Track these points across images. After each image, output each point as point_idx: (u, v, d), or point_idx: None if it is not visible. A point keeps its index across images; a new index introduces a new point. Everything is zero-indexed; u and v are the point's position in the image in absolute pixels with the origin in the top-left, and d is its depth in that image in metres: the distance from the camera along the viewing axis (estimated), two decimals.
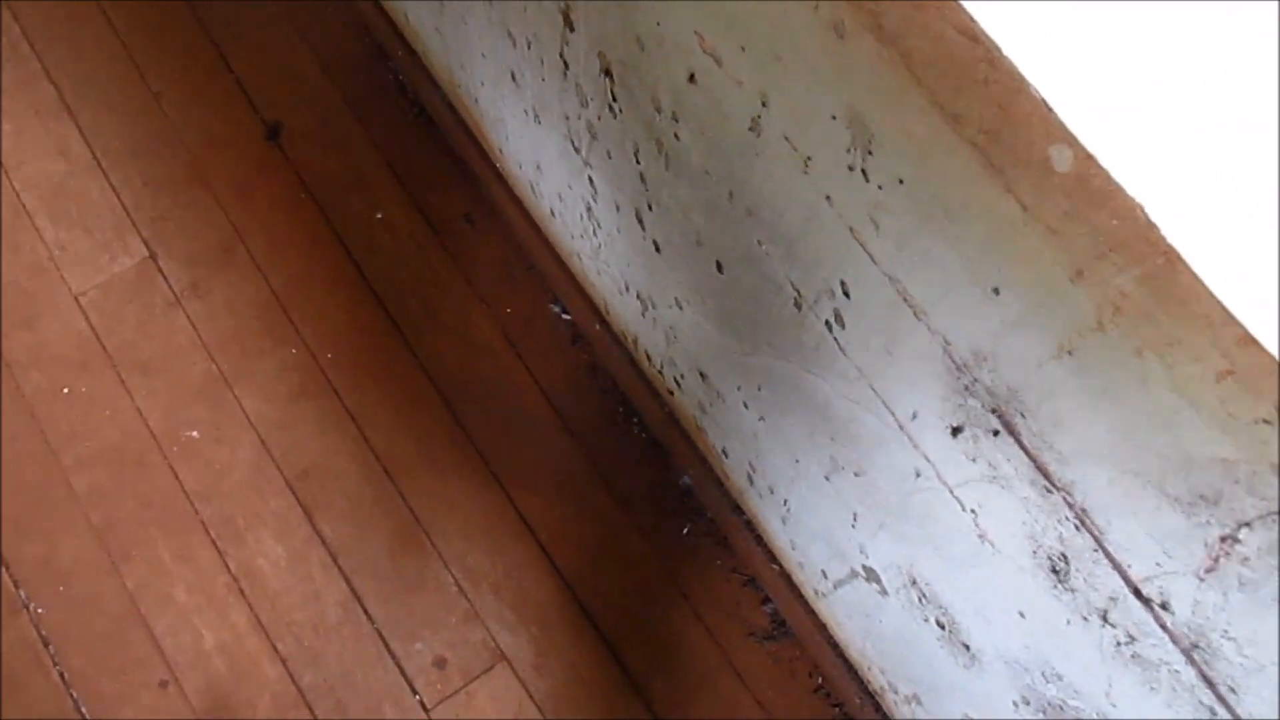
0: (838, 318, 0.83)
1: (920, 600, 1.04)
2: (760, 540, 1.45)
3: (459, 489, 1.54)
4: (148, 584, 1.48)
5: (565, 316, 1.61)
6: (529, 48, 1.13)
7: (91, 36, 1.74)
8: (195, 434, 1.54)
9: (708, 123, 0.84)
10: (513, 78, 1.24)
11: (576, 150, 1.18)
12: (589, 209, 1.27)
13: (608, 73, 0.97)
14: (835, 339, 0.86)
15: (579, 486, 1.55)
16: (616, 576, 1.51)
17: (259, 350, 1.59)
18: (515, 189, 1.55)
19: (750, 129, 0.78)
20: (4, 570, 1.47)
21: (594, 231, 1.31)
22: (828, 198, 0.73)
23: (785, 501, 1.25)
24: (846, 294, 0.80)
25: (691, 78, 0.82)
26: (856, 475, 1.00)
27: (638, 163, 1.03)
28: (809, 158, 0.73)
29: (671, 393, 1.43)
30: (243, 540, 1.50)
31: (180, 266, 1.63)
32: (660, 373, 1.42)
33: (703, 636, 1.50)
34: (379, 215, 1.66)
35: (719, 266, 1.00)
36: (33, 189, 1.66)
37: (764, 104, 0.74)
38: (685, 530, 1.54)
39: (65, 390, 1.56)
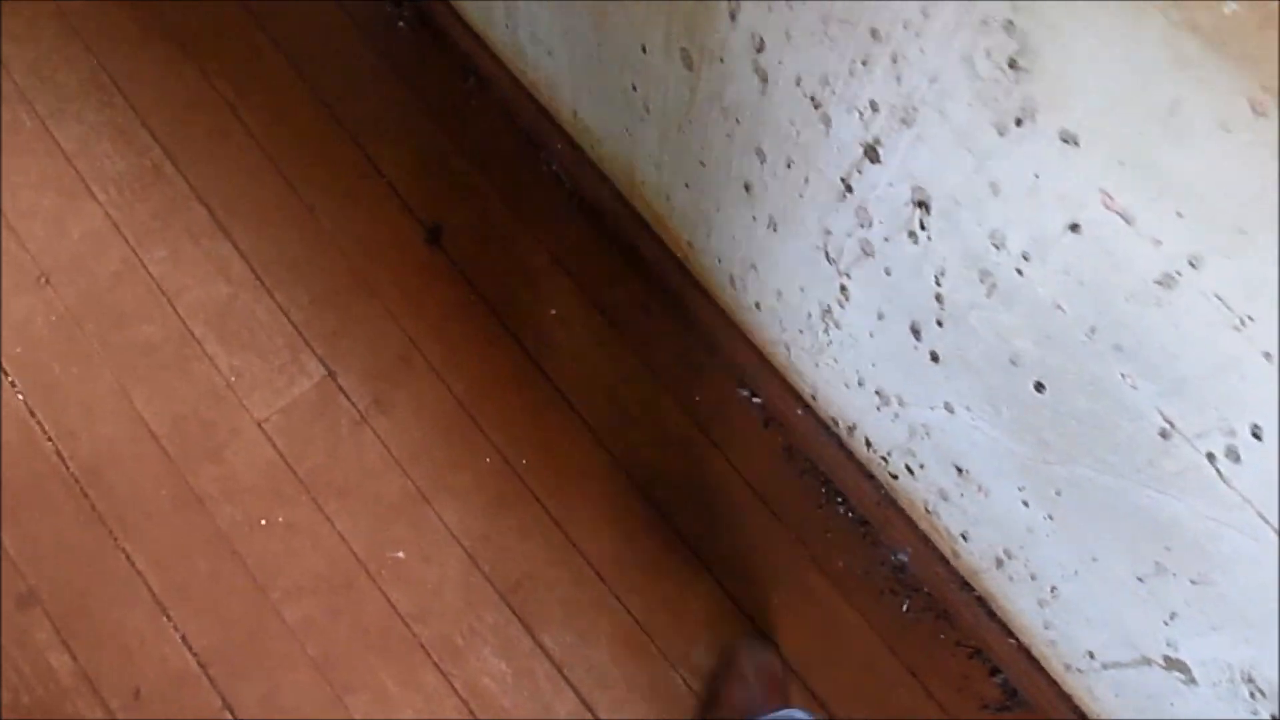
0: (1231, 453, 0.82)
1: (1251, 695, 1.03)
2: (992, 615, 1.45)
3: (673, 584, 1.53)
4: (376, 714, 1.46)
5: (755, 400, 1.60)
6: (788, 167, 1.12)
7: (234, 150, 1.71)
8: (401, 554, 1.52)
9: (1082, 267, 0.83)
10: (746, 188, 1.23)
11: (831, 261, 1.17)
12: (827, 311, 1.26)
13: (922, 205, 0.95)
14: (1218, 470, 0.85)
15: (790, 569, 1.54)
16: (841, 655, 1.50)
17: (452, 462, 1.56)
18: (701, 279, 1.54)
19: (1158, 283, 0.76)
20: (229, 715, 1.44)
21: (826, 330, 1.30)
22: (1265, 354, 0.72)
23: (1053, 588, 1.24)
24: (1257, 436, 0.79)
25: (1074, 227, 0.80)
26: (1193, 582, 0.99)
27: (937, 285, 1.02)
28: (1248, 318, 0.72)
29: (896, 477, 1.42)
30: (464, 659, 1.48)
31: (360, 382, 1.60)
32: (884, 459, 1.41)
33: (936, 711, 1.49)
34: (553, 311, 1.64)
35: (1039, 386, 0.99)
36: (199, 315, 1.63)
37: (1192, 265, 0.73)
38: (904, 607, 1.53)
39: (263, 522, 1.53)
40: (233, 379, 1.59)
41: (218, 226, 1.67)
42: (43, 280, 1.64)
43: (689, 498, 1.57)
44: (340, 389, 1.59)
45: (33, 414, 1.57)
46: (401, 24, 1.79)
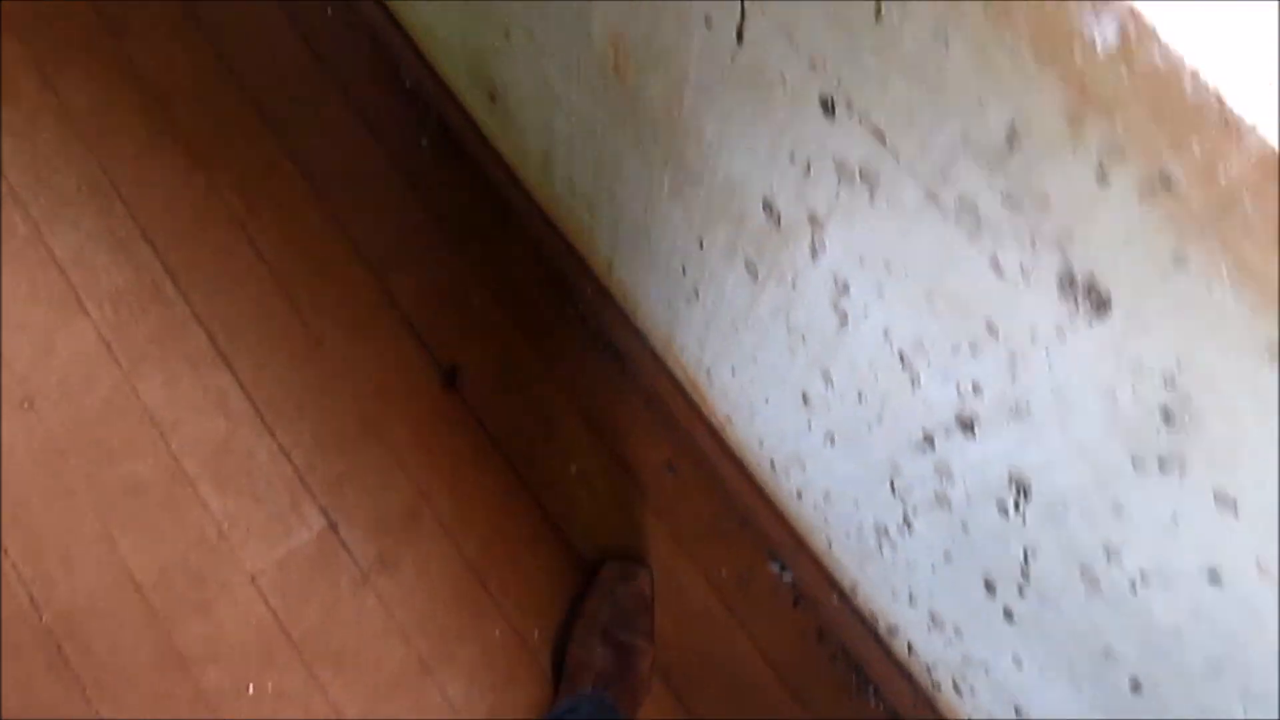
0: None
1: None
2: None
3: None
4: None
5: (786, 576, 1.50)
6: (859, 400, 1.02)
7: (241, 271, 1.60)
8: None
9: (1218, 615, 0.73)
10: (804, 399, 1.13)
11: (896, 494, 1.07)
12: (884, 531, 1.16)
13: (1020, 489, 0.86)
14: None
15: None
16: None
17: (460, 632, 1.45)
18: (738, 453, 1.44)
19: None
20: None
21: (879, 546, 1.20)
22: None
23: None
24: None
25: (1214, 579, 0.71)
26: None
27: (1025, 561, 0.92)
28: None
29: (939, 688, 1.32)
30: None
31: (364, 536, 1.49)
32: (929, 670, 1.31)
33: None
34: (573, 468, 1.53)
35: (1134, 685, 0.89)
36: (193, 452, 1.51)
37: None
38: None
39: (250, 688, 1.42)
40: (226, 526, 1.48)
41: (218, 355, 1.55)
42: (26, 404, 1.52)
43: (708, 677, 1.46)
44: (342, 543, 1.48)
45: (6, 553, 1.45)
46: (425, 143, 1.68)
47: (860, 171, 0.79)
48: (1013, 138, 0.63)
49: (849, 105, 0.75)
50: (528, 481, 1.53)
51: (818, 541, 1.39)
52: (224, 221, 1.63)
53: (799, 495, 1.34)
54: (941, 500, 0.99)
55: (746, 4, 0.79)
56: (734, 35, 0.83)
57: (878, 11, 0.66)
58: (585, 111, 1.19)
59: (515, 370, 1.58)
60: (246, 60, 1.72)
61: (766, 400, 1.24)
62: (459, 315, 1.61)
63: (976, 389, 0.83)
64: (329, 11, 1.75)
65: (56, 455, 1.51)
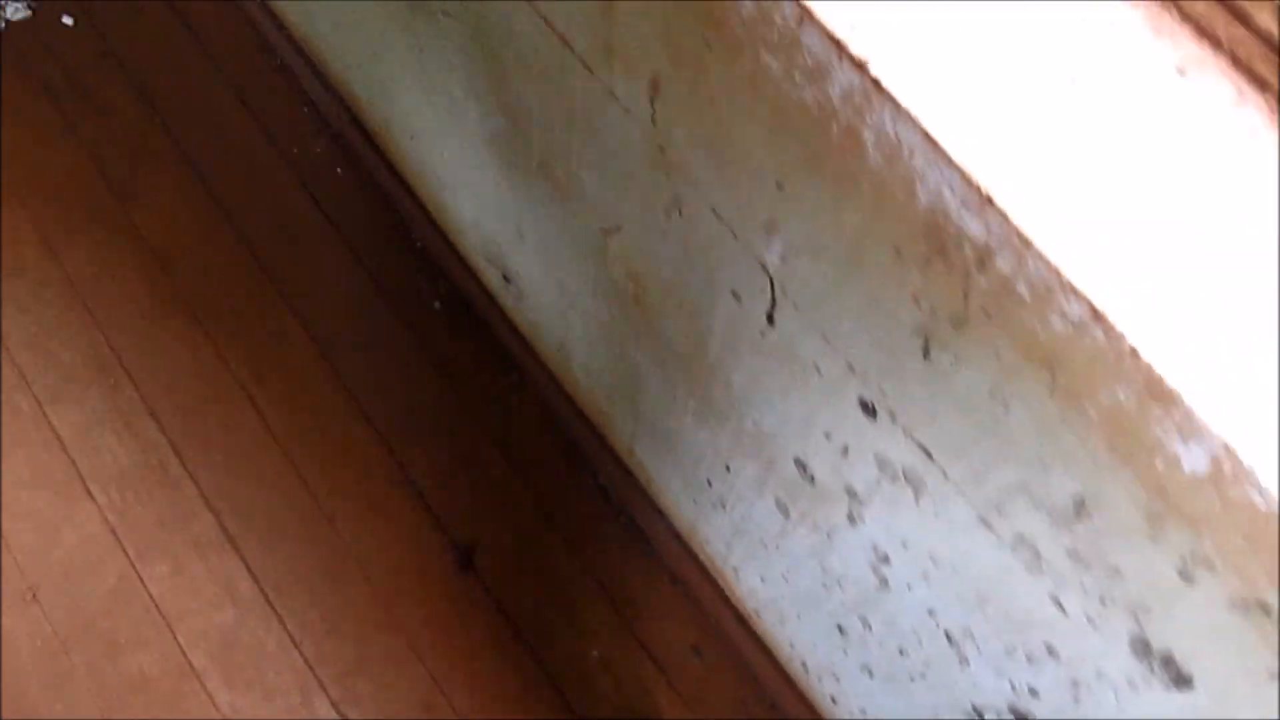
0: None
1: None
2: None
3: None
4: None
5: None
6: (900, 654, 0.96)
7: (249, 447, 1.55)
8: None
9: None
10: (841, 630, 1.07)
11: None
12: None
13: None
14: None
15: None
16: None
17: None
18: (769, 647, 1.37)
19: None
20: None
21: None
22: None
23: None
24: None
25: None
26: None
27: None
28: None
29: None
30: None
31: None
32: None
33: None
34: (595, 653, 1.47)
35: None
36: (200, 644, 1.46)
37: None
38: None
39: None
40: None
41: (226, 539, 1.50)
42: (29, 595, 1.47)
43: None
44: None
45: None
46: (437, 305, 1.64)
47: (904, 473, 0.73)
48: (1080, 508, 0.57)
49: (892, 415, 0.70)
50: (548, 668, 1.47)
51: None
52: (232, 393, 1.58)
53: (833, 700, 1.27)
54: None
55: (776, 293, 0.74)
56: (764, 317, 0.78)
57: (925, 351, 0.61)
58: (603, 321, 1.14)
59: (533, 547, 1.53)
60: (255, 222, 1.69)
61: (798, 615, 1.18)
62: (474, 489, 1.55)
63: (1033, 692, 0.77)
64: (339, 171, 1.72)
65: (59, 648, 1.45)
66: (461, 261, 1.56)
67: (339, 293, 1.65)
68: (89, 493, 1.53)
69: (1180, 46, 0.49)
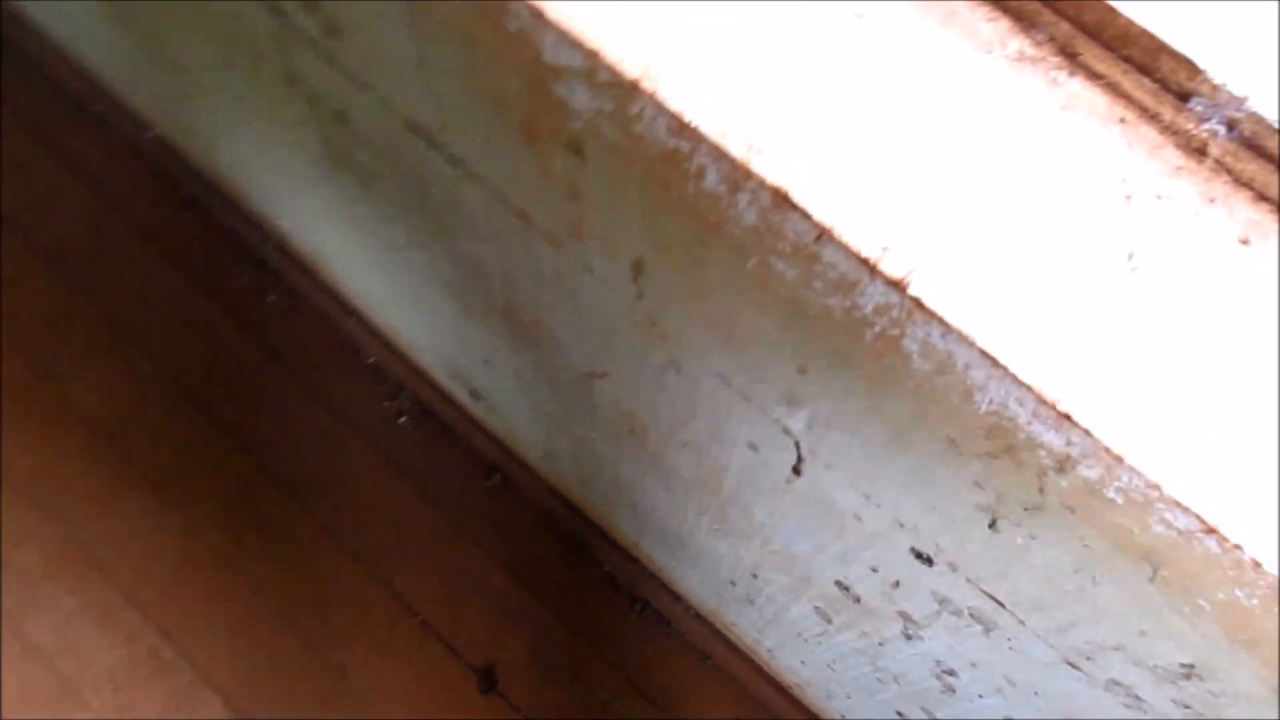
0: None
1: None
2: None
3: None
4: None
5: None
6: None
7: (240, 614, 1.48)
8: None
9: None
10: (927, 714, 1.04)
11: None
12: None
13: None
14: None
15: None
16: None
17: None
18: (814, 712, 1.35)
19: None
20: None
21: None
22: None
23: None
24: None
25: None
26: None
27: None
28: None
29: None
30: None
31: None
32: None
33: None
34: None
35: None
36: None
37: None
38: None
39: None
40: None
41: (237, 717, 1.43)
42: None
43: None
44: None
45: None
46: (403, 420, 1.58)
47: (970, 612, 0.70)
48: (1190, 672, 0.54)
49: (952, 567, 0.66)
50: None
51: None
52: (210, 562, 1.51)
53: None
54: None
55: (804, 453, 0.70)
56: (789, 469, 0.74)
57: (992, 525, 0.57)
58: (595, 446, 1.09)
59: (554, 653, 1.48)
60: (195, 374, 1.60)
61: (849, 696, 1.15)
62: (480, 606, 1.50)
63: None
64: (271, 300, 1.65)
65: None
66: (421, 376, 1.50)
67: (298, 429, 1.58)
68: (82, 699, 1.44)
69: (1237, 212, 0.46)
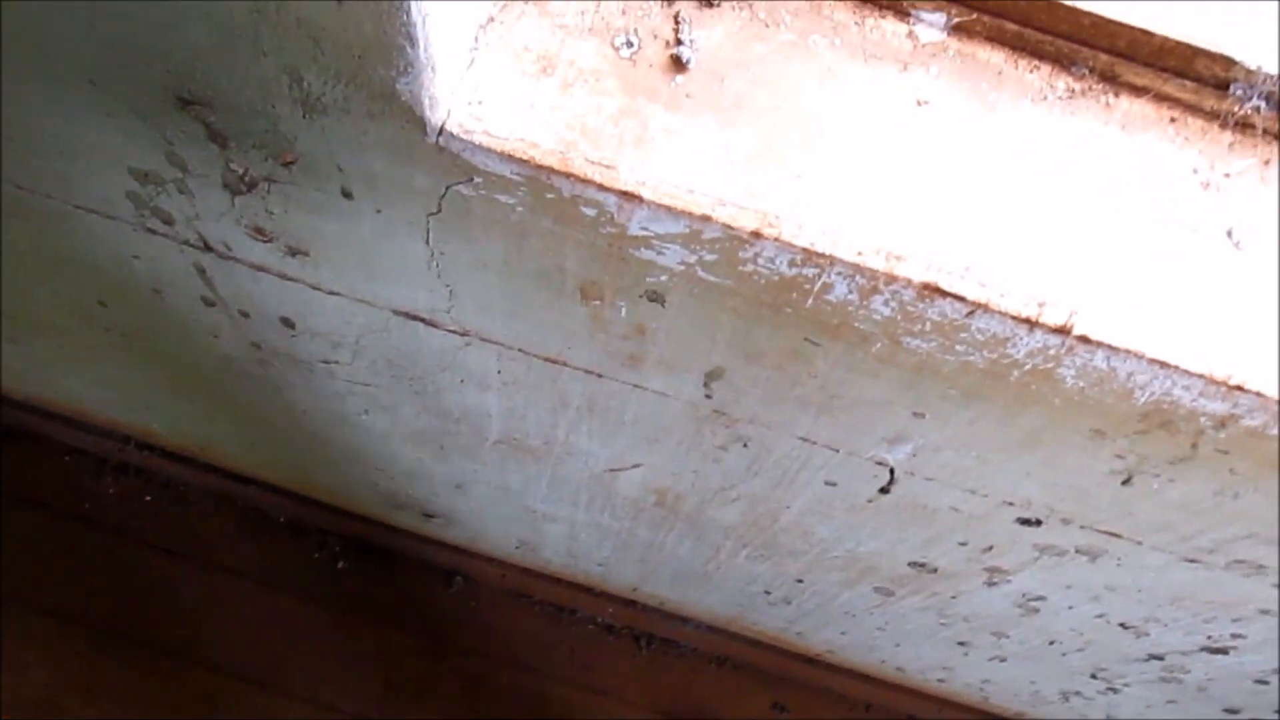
0: None
1: None
2: None
3: None
4: None
5: None
6: None
7: None
8: None
9: None
10: (960, 645, 1.12)
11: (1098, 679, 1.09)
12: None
13: None
14: None
15: None
16: None
17: None
18: (851, 668, 1.42)
19: None
20: None
21: None
22: None
23: None
24: None
25: None
26: None
27: None
28: None
29: None
30: None
31: None
32: None
33: None
34: None
35: None
36: None
37: None
38: None
39: None
40: None
41: None
42: None
43: None
44: None
45: None
46: (342, 565, 1.51)
47: (1077, 550, 0.77)
48: None
49: (1066, 522, 0.73)
50: None
51: None
52: None
53: (940, 681, 1.34)
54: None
55: (897, 476, 0.74)
56: (874, 492, 0.78)
57: (1126, 481, 0.64)
58: (601, 525, 1.09)
59: (579, 714, 1.47)
60: (99, 608, 1.46)
61: (897, 645, 1.22)
62: (493, 703, 1.47)
63: (1239, 640, 0.84)
64: (148, 499, 1.52)
65: None
66: (350, 515, 1.43)
67: (238, 617, 1.47)
68: None
69: None
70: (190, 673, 1.42)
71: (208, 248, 0.71)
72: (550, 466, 0.96)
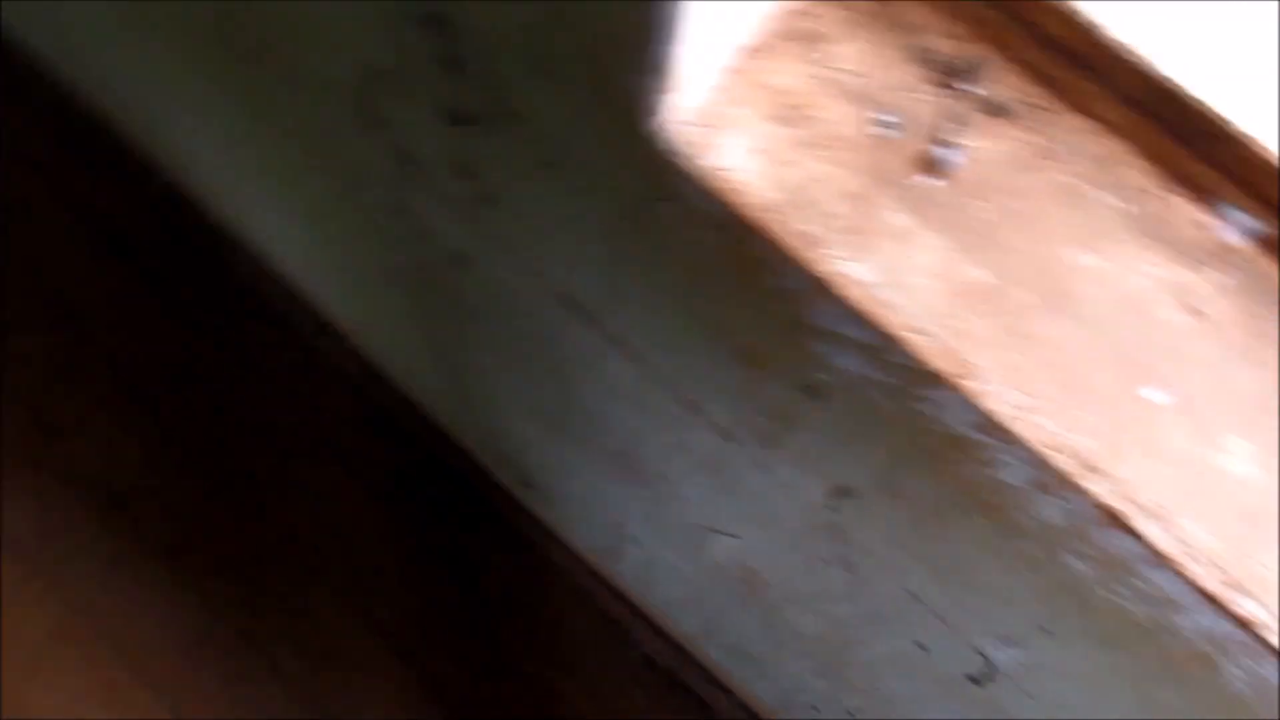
0: None
1: None
2: None
3: None
4: None
5: None
6: None
7: (257, 694, 1.41)
8: None
9: None
10: None
11: None
12: None
13: None
14: None
15: None
16: None
17: None
18: None
19: None
20: None
21: None
22: None
23: None
24: None
25: None
26: None
27: None
28: None
29: None
30: None
31: None
32: None
33: None
34: None
35: None
36: None
37: None
38: None
39: None
40: None
41: None
42: None
43: None
44: None
45: None
46: (431, 489, 1.51)
47: None
48: None
49: None
50: None
51: None
52: (229, 638, 1.42)
53: None
54: None
55: (998, 674, 0.66)
56: (964, 676, 0.69)
57: None
58: (684, 573, 1.04)
59: None
60: (204, 433, 1.51)
61: None
62: (514, 691, 1.44)
63: None
64: (288, 358, 1.56)
65: None
66: (460, 450, 1.43)
67: (319, 495, 1.50)
68: None
69: None
70: (254, 528, 1.46)
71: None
72: (652, 499, 0.91)
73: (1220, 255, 0.46)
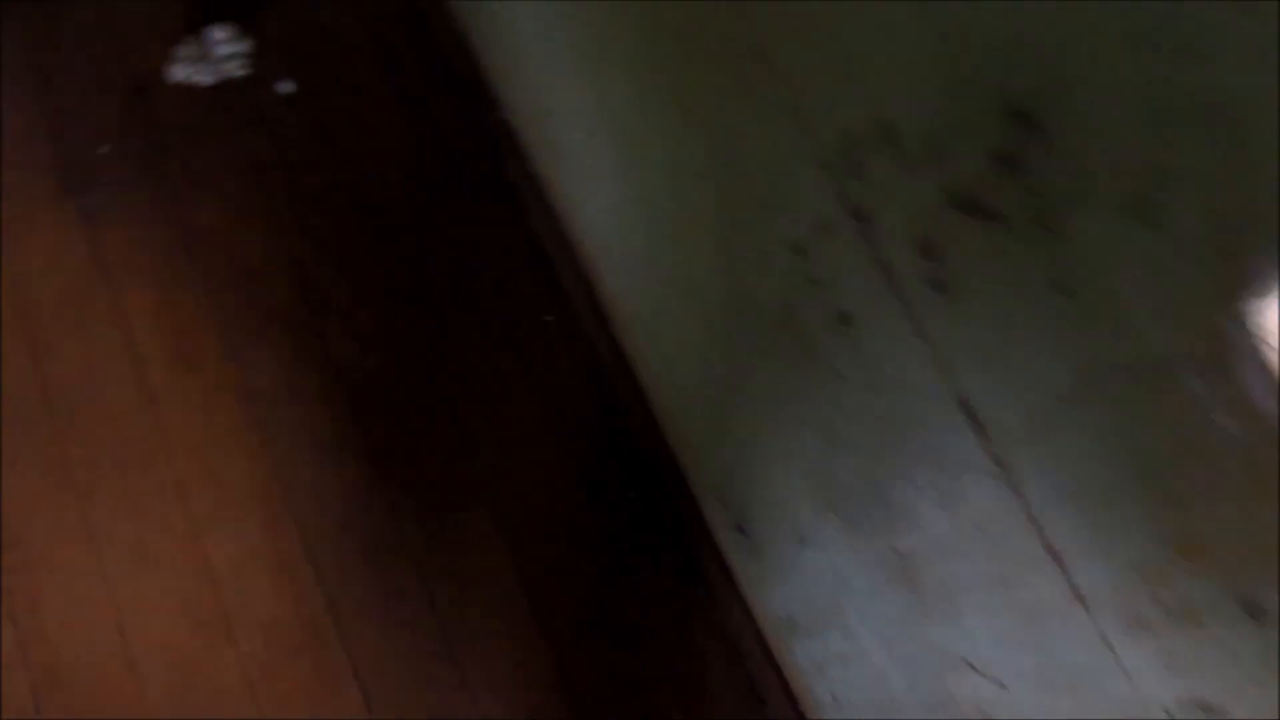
0: None
1: None
2: None
3: None
4: None
5: None
6: None
7: (408, 616, 1.45)
8: None
9: None
10: None
11: None
12: None
13: None
14: None
15: None
16: None
17: None
18: None
19: None
20: None
21: None
22: None
23: None
24: None
25: None
26: None
27: None
28: None
29: None
30: None
31: None
32: None
33: None
34: None
35: None
36: None
37: None
38: None
39: None
40: None
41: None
42: None
43: None
44: None
45: None
46: (632, 495, 1.52)
47: None
48: None
49: None
50: None
51: None
52: (398, 557, 1.46)
53: None
54: None
55: None
56: None
57: None
58: (897, 696, 1.01)
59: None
60: (457, 360, 1.56)
61: None
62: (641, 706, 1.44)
63: None
64: (549, 318, 1.60)
65: None
66: (678, 471, 1.44)
67: (536, 473, 1.52)
68: (232, 637, 1.41)
69: None
70: (460, 465, 1.50)
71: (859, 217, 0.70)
72: (910, 608, 0.89)
73: None
